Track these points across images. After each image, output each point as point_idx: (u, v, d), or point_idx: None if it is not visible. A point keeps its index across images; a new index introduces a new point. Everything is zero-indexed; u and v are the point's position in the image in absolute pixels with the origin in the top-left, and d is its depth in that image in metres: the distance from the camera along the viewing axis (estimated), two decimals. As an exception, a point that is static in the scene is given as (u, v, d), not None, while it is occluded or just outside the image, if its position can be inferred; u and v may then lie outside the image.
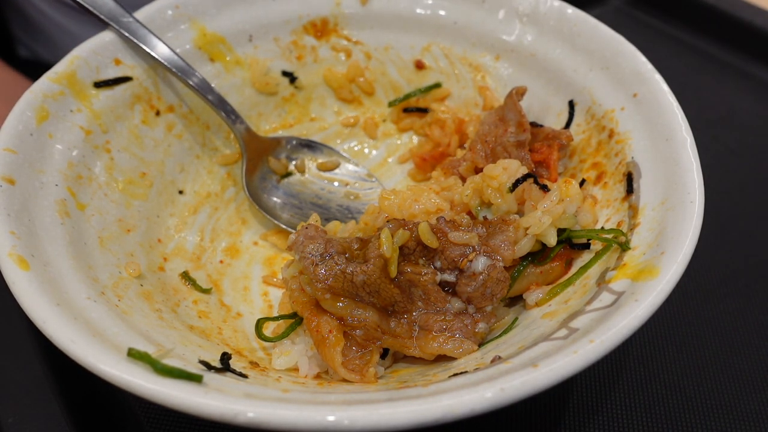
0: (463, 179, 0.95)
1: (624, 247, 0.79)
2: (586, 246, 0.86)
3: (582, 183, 0.93)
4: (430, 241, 0.83)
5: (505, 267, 0.83)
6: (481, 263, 0.83)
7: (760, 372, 0.98)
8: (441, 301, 0.84)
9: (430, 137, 1.13)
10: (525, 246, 0.85)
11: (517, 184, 0.86)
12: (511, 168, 0.87)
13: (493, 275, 0.83)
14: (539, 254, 0.87)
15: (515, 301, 0.89)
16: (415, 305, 0.83)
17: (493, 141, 0.96)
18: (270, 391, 0.68)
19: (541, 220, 0.83)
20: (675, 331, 1.03)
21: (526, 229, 0.85)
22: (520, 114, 0.95)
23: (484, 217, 0.88)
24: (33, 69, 0.93)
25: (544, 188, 0.87)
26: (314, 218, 0.92)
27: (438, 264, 0.85)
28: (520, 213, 0.88)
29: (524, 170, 0.88)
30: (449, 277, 0.84)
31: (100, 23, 0.99)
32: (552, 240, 0.84)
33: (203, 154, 1.09)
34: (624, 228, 0.83)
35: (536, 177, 0.88)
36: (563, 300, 0.81)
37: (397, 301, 0.81)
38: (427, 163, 1.12)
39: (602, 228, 0.86)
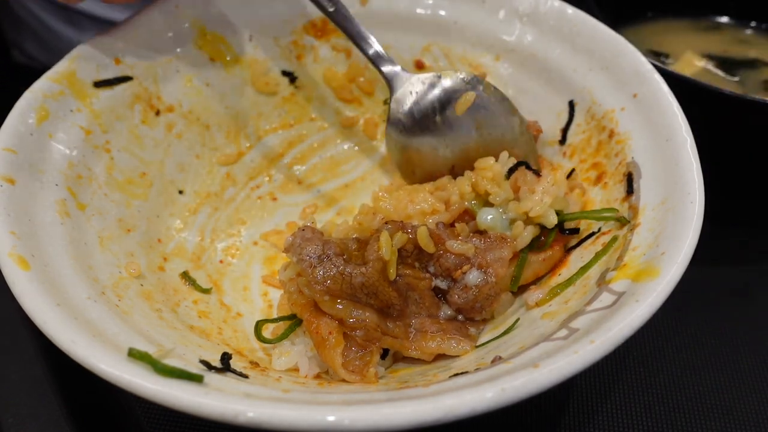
0: None
1: (623, 221, 0.82)
2: (576, 231, 0.89)
3: (571, 173, 0.96)
4: (428, 246, 0.83)
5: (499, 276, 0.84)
6: (474, 277, 0.84)
7: (760, 372, 0.98)
8: (434, 307, 0.85)
9: None
10: (528, 236, 0.86)
11: (511, 171, 0.89)
12: (501, 159, 0.91)
13: (484, 291, 0.84)
14: (536, 241, 0.88)
15: (518, 291, 0.90)
16: (410, 308, 0.83)
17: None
18: (270, 391, 0.68)
19: (543, 200, 0.85)
20: (675, 332, 1.03)
21: (527, 212, 0.86)
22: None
23: (484, 231, 0.88)
24: (29, 74, 0.93)
25: (537, 173, 0.89)
26: (310, 219, 0.92)
27: (431, 269, 0.85)
28: (517, 200, 0.89)
29: (513, 160, 0.91)
30: (441, 284, 0.86)
31: (95, 28, 0.99)
32: (552, 219, 0.86)
33: (203, 154, 1.09)
34: (624, 229, 0.83)
35: (528, 163, 0.90)
36: (563, 300, 0.81)
37: (394, 303, 0.81)
38: None
39: (595, 210, 0.89)
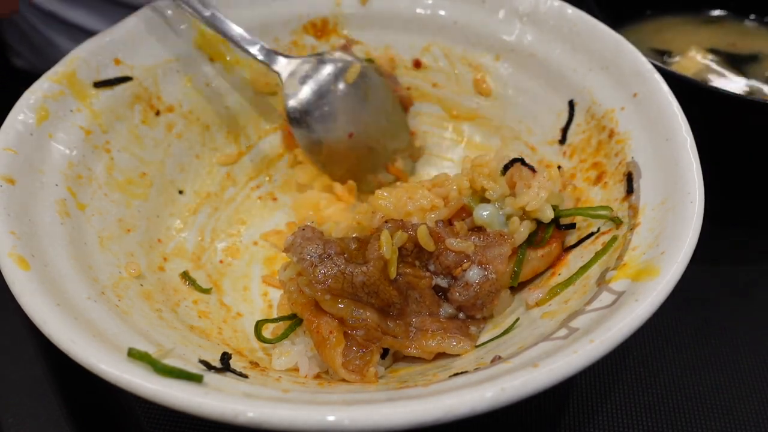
0: None
1: (617, 221, 0.83)
2: (572, 226, 0.90)
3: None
4: (428, 244, 0.83)
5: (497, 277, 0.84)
6: (474, 274, 0.84)
7: (761, 372, 0.98)
8: (434, 305, 0.85)
9: None
10: (525, 231, 0.86)
11: (507, 167, 0.89)
12: (497, 155, 0.92)
13: (485, 287, 0.84)
14: (534, 237, 0.89)
15: (517, 290, 0.90)
16: (410, 307, 0.83)
17: None
18: (270, 391, 0.68)
19: (539, 195, 0.86)
20: (675, 332, 1.03)
21: (523, 207, 0.86)
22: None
23: (482, 228, 0.88)
24: (28, 75, 0.93)
25: (533, 169, 0.90)
26: (310, 219, 0.92)
27: (432, 268, 0.85)
28: (513, 196, 0.90)
29: (509, 156, 0.92)
30: (442, 282, 0.86)
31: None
32: (549, 214, 0.86)
33: (203, 154, 1.09)
34: (624, 228, 0.83)
35: (523, 159, 0.91)
36: (563, 300, 0.81)
37: (395, 302, 0.81)
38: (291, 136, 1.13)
39: (590, 207, 0.90)
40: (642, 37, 1.44)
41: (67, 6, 1.33)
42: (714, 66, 1.36)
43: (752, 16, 1.48)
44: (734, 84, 1.32)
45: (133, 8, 1.04)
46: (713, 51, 1.39)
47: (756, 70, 1.36)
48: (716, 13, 1.50)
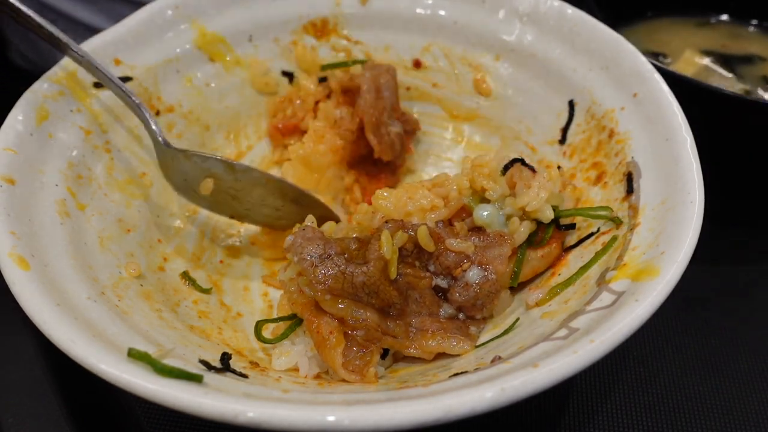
0: None
1: (617, 221, 0.83)
2: (572, 226, 0.90)
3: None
4: (428, 245, 0.83)
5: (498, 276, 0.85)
6: (474, 274, 0.84)
7: (760, 372, 0.98)
8: (435, 306, 0.85)
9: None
10: (525, 231, 0.86)
11: (507, 167, 0.89)
12: (497, 155, 0.91)
13: (485, 288, 0.84)
14: (534, 237, 0.89)
15: (517, 290, 0.90)
16: (410, 307, 0.84)
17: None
18: (270, 391, 0.68)
19: (539, 195, 0.85)
20: (675, 332, 1.03)
21: (523, 207, 0.86)
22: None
23: (482, 228, 0.88)
24: (28, 75, 0.93)
25: (533, 170, 0.89)
26: (310, 218, 0.92)
27: (432, 268, 0.85)
28: (513, 196, 0.89)
29: (509, 157, 0.91)
30: (442, 282, 0.86)
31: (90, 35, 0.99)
32: (549, 214, 0.86)
33: (203, 154, 1.09)
34: (624, 228, 0.83)
35: (523, 160, 0.90)
36: (563, 300, 0.81)
37: (395, 302, 0.81)
38: (278, 132, 1.12)
39: (590, 207, 0.90)
40: (638, 38, 1.44)
41: (68, 3, 1.33)
42: (708, 67, 1.37)
43: (754, 21, 1.49)
44: (728, 85, 1.33)
45: (134, 4, 1.04)
46: (707, 53, 1.40)
47: (750, 71, 1.37)
48: (718, 17, 1.51)
